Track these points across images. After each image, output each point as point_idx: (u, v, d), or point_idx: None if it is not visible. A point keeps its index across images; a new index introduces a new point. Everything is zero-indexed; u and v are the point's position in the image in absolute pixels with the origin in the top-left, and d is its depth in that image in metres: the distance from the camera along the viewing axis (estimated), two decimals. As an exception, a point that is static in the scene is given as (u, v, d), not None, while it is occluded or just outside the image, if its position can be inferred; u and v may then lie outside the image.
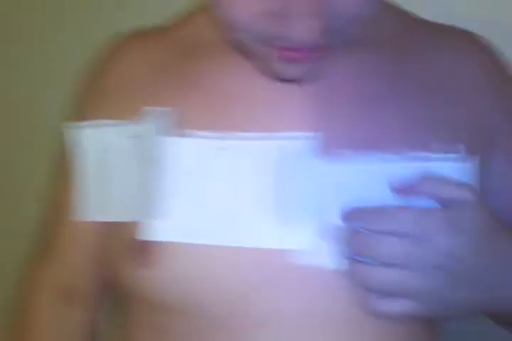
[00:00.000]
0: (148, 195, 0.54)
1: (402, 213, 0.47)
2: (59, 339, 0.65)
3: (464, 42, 0.61)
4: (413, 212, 0.47)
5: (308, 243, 0.51)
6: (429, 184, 0.49)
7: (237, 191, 0.53)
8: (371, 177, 0.51)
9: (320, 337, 0.53)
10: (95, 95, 0.62)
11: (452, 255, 0.47)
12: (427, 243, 0.46)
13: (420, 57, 0.58)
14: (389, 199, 0.50)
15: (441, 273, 0.47)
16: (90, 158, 0.58)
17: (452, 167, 0.51)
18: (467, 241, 0.47)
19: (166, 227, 0.53)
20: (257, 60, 0.52)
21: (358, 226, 0.49)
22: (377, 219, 0.48)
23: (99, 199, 0.58)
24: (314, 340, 0.53)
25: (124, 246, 0.55)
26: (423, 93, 0.56)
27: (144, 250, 0.53)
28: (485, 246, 0.48)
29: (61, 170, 0.65)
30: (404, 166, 0.51)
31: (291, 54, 0.49)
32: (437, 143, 0.52)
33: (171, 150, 0.54)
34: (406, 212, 0.47)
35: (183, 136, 0.54)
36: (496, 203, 0.57)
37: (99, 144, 0.58)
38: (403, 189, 0.50)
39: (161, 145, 0.54)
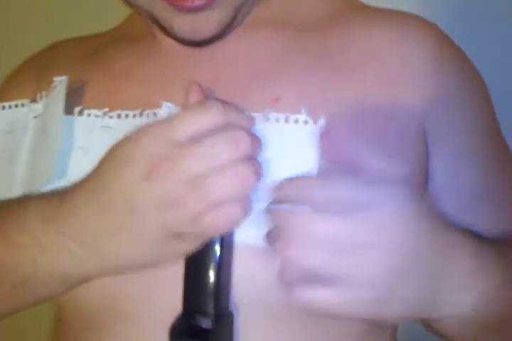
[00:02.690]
0: (38, 172, 0.54)
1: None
2: None
3: (409, 26, 0.57)
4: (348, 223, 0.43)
5: None
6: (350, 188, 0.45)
7: None
8: None
9: None
10: (16, 75, 0.64)
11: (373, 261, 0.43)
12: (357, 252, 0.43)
13: (351, 37, 0.56)
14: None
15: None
16: None
17: (295, 129, 0.50)
18: (392, 245, 0.43)
19: None
20: (158, 22, 0.53)
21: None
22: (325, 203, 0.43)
23: (2, 180, 0.58)
24: None
25: None
26: (344, 71, 0.54)
27: None
28: (416, 248, 0.44)
29: None
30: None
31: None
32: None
33: (61, 127, 0.54)
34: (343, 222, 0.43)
35: (73, 114, 0.55)
36: (440, 201, 0.55)
37: (5, 125, 0.59)
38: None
39: (53, 123, 0.54)
